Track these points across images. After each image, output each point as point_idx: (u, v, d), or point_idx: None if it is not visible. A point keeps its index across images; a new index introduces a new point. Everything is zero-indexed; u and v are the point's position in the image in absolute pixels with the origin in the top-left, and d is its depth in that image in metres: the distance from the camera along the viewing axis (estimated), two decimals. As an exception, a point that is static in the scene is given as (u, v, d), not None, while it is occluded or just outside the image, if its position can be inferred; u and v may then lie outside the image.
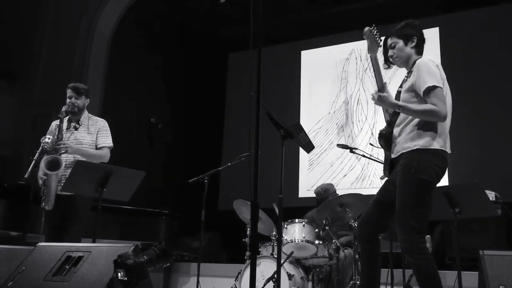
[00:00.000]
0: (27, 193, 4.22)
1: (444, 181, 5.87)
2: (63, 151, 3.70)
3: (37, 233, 4.58)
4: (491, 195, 4.48)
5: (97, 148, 3.93)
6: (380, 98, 2.78)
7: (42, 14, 6.72)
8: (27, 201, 4.16)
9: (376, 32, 2.86)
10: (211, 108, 8.34)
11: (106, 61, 6.88)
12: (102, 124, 4.01)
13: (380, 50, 2.93)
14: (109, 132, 4.02)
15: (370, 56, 2.95)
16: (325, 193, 4.82)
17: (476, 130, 6.38)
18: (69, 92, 3.94)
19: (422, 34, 2.94)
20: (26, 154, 4.01)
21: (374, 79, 2.95)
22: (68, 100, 3.92)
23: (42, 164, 3.59)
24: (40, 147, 3.68)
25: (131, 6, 7.10)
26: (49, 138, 3.69)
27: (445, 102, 2.66)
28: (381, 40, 2.87)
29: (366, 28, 2.86)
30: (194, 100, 8.13)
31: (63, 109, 3.84)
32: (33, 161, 3.64)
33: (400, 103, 2.75)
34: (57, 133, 3.77)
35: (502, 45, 6.54)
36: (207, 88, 8.33)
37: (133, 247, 2.49)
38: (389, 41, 2.94)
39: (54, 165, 3.60)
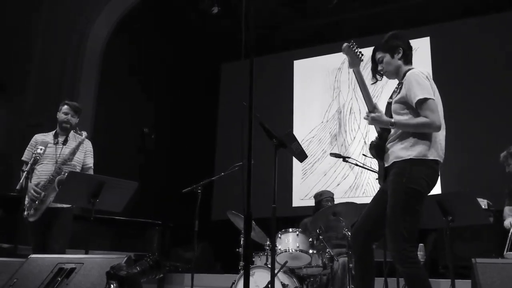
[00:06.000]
0: (18, 205, 4.18)
1: (436, 190, 5.90)
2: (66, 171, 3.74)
3: (28, 245, 4.53)
4: (483, 203, 4.51)
5: (84, 167, 3.98)
6: (373, 119, 2.79)
7: (34, 27, 6.72)
8: (18, 212, 4.12)
9: (356, 47, 2.84)
10: (204, 118, 8.35)
11: (97, 73, 6.88)
12: (89, 145, 4.07)
13: (363, 64, 2.91)
14: (93, 152, 4.11)
15: (353, 71, 2.91)
16: (320, 196, 4.86)
17: (468, 138, 6.42)
18: (66, 109, 3.96)
19: (408, 43, 2.91)
20: (17, 165, 3.99)
21: (362, 94, 2.91)
22: (63, 116, 3.94)
23: (55, 184, 3.62)
24: (32, 158, 3.67)
25: (122, 19, 7.12)
26: (41, 149, 3.68)
27: (438, 112, 2.67)
28: (362, 55, 2.84)
29: (345, 44, 2.82)
30: (186, 110, 8.13)
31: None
32: (25, 172, 3.63)
33: (392, 120, 2.75)
34: (69, 155, 3.81)
35: (492, 54, 6.62)
36: (200, 98, 8.35)
37: (126, 258, 2.47)
38: (377, 55, 2.94)
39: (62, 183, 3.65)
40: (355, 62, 2.86)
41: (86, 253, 3.45)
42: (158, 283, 5.38)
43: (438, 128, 2.67)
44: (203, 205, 4.60)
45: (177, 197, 5.03)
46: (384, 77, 3.00)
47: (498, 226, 4.69)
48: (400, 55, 2.87)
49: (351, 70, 2.98)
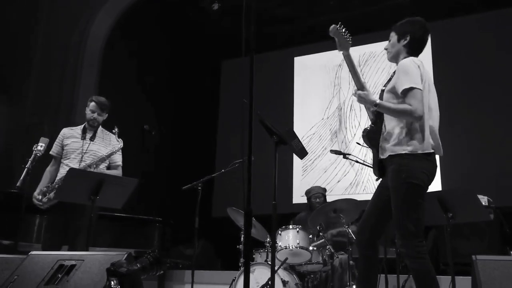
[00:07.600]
0: (19, 202, 4.19)
1: (437, 186, 5.92)
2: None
3: (29, 242, 4.53)
4: (483, 200, 4.50)
5: (112, 164, 3.97)
6: (360, 96, 2.82)
7: (35, 26, 6.71)
8: (19, 209, 4.12)
9: (345, 30, 2.83)
10: (204, 115, 8.34)
11: (98, 71, 6.86)
12: (119, 144, 4.00)
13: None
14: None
15: (342, 53, 2.89)
16: (309, 193, 4.90)
17: (469, 135, 6.42)
18: (93, 107, 3.98)
19: (419, 34, 2.85)
20: (18, 163, 3.99)
21: (352, 78, 2.93)
22: (90, 114, 3.96)
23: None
24: (33, 155, 3.66)
25: (121, 17, 7.10)
26: (41, 146, 3.68)
27: (423, 102, 2.66)
28: (350, 38, 2.84)
29: (332, 26, 2.81)
30: (187, 107, 8.13)
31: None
32: (26, 169, 3.62)
33: (377, 100, 2.76)
34: (98, 161, 3.82)
35: (493, 50, 6.60)
36: (201, 95, 8.35)
37: (126, 255, 2.47)
38: (391, 34, 2.95)
39: None
40: (343, 44, 2.86)
41: (87, 249, 3.45)
42: (158, 280, 5.38)
43: (419, 118, 2.65)
44: (203, 202, 4.60)
45: (178, 194, 5.03)
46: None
47: (498, 222, 4.70)
48: (405, 41, 2.86)
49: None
